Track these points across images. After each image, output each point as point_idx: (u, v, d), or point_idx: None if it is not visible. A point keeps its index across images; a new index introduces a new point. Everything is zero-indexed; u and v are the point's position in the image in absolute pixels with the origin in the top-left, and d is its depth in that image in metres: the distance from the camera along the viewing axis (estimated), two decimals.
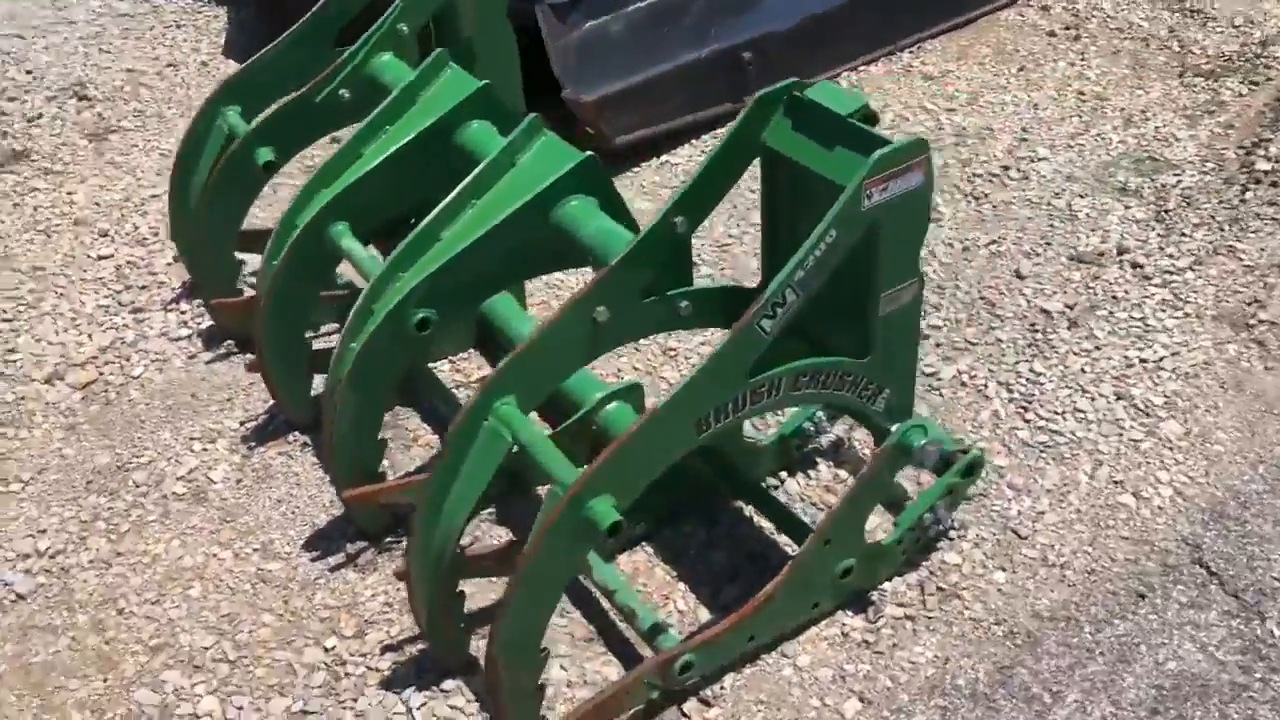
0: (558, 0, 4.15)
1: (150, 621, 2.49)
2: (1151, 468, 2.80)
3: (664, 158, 4.07)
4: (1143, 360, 3.11)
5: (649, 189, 3.93)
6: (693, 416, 2.02)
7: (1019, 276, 3.43)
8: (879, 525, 2.61)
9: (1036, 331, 3.22)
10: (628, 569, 2.61)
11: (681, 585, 2.57)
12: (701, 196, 2.25)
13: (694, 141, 4.15)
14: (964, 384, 3.07)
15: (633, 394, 2.39)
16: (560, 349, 2.19)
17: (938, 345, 3.19)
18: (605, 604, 2.48)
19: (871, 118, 2.15)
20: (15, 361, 3.22)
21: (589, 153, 2.39)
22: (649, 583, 2.58)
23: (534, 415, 2.31)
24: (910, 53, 4.68)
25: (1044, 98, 4.30)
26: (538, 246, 2.40)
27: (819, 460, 2.83)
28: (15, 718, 2.31)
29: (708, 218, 2.34)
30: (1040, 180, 3.85)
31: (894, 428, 2.35)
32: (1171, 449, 2.85)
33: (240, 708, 2.32)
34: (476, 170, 2.48)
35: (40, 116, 4.47)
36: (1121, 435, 2.89)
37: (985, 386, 3.05)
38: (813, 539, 2.33)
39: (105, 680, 2.38)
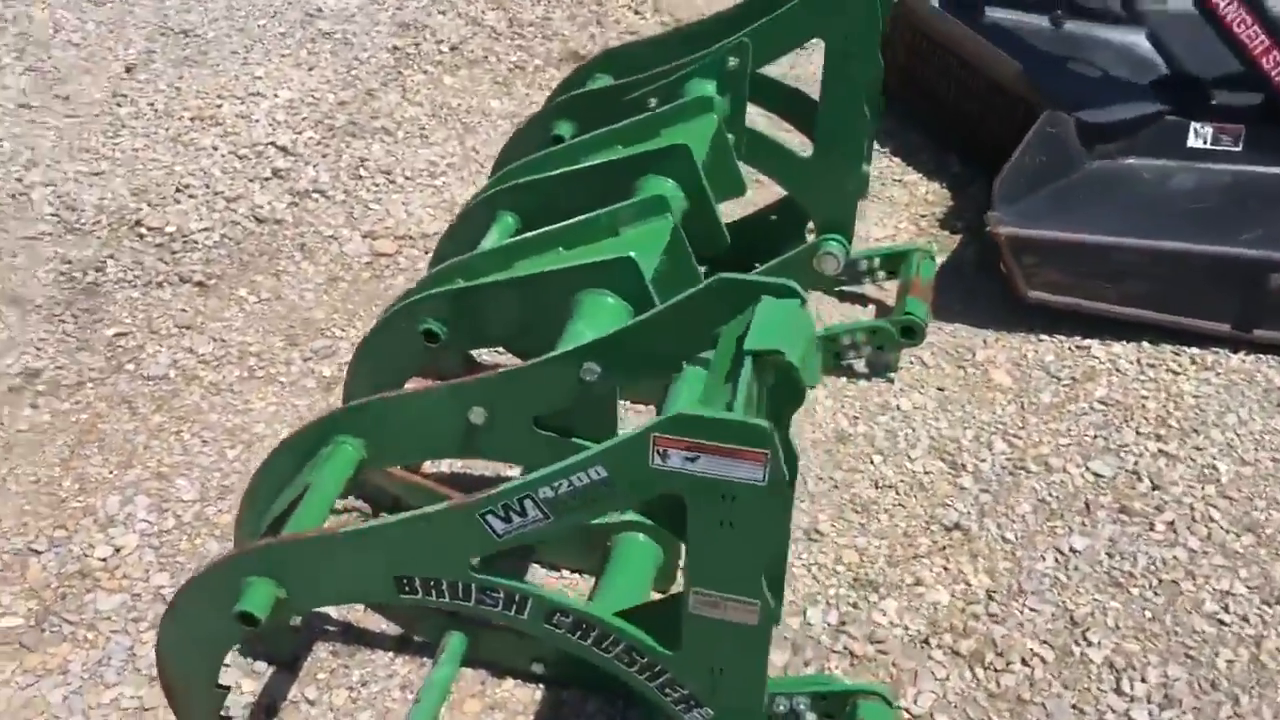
0: (1099, 120, 3.45)
1: (183, 454, 2.74)
2: None
3: (1086, 341, 3.24)
4: None
5: (1025, 364, 3.17)
6: (389, 567, 1.68)
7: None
8: None
9: None
10: (501, 697, 2.28)
11: None
12: (628, 355, 1.79)
13: (1142, 344, 3.23)
14: None
15: None
16: (421, 425, 1.94)
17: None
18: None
19: (785, 372, 1.52)
20: (370, 213, 3.61)
21: (630, 254, 2.01)
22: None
23: None
24: None
25: None
26: (555, 318, 2.11)
27: None
28: (45, 455, 2.71)
29: None
30: None
31: None
32: None
33: (141, 560, 2.49)
34: (577, 220, 2.23)
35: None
36: None
37: None
38: None
39: (111, 472, 2.69)
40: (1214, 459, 2.88)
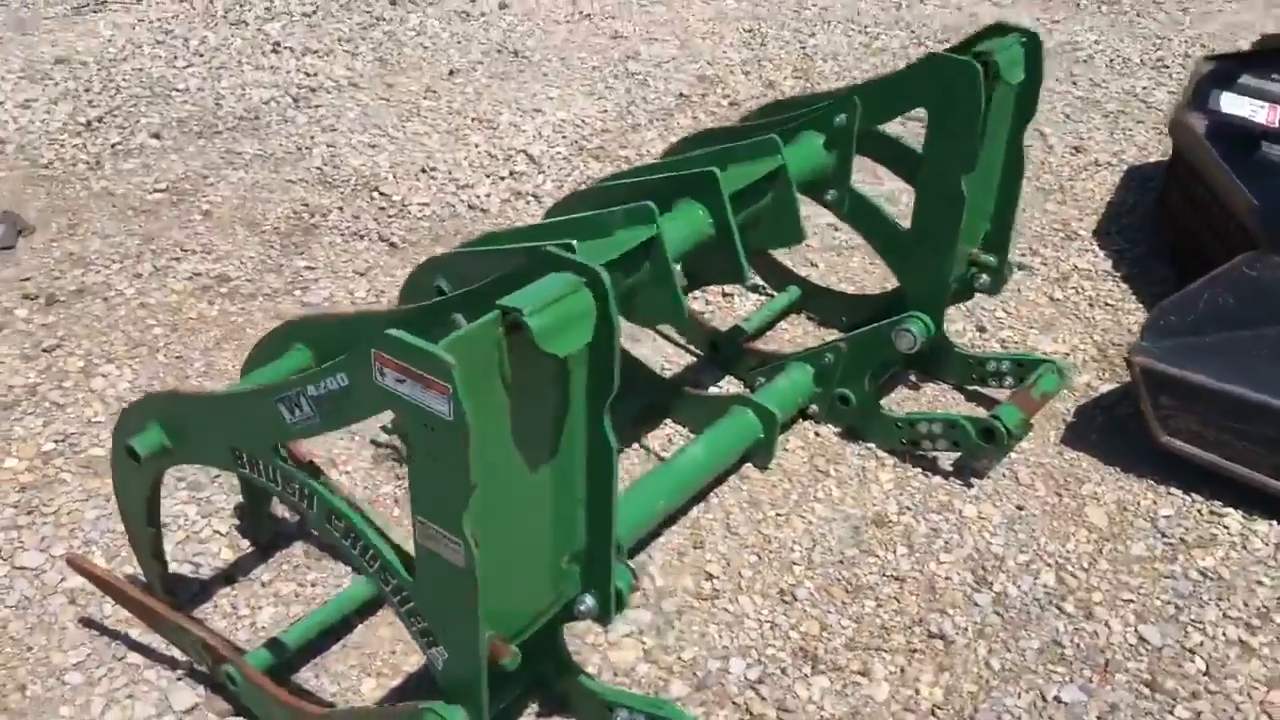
0: None
1: None
2: None
3: (1224, 509, 2.84)
4: None
5: (1133, 511, 2.84)
6: (225, 435, 1.91)
7: None
8: None
9: None
10: None
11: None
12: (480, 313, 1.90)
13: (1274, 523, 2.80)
14: None
15: None
16: (347, 345, 2.14)
17: None
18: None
19: (523, 330, 1.58)
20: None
21: (571, 241, 2.12)
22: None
23: None
24: None
25: None
26: None
27: None
28: (196, 340, 3.22)
29: None
30: None
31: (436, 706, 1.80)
32: None
33: None
34: (582, 215, 2.37)
35: None
36: None
37: None
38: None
39: (233, 366, 3.13)
40: None
